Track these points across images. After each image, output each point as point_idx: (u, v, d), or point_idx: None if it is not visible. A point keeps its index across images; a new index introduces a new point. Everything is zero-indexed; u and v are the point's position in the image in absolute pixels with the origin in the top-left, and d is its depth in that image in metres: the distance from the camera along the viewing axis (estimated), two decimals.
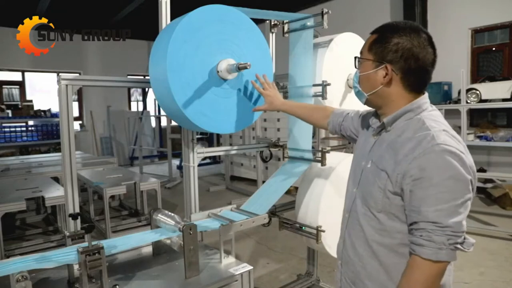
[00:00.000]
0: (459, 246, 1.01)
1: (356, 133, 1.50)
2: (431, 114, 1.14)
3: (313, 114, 1.73)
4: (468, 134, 5.01)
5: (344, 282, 1.32)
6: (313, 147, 2.31)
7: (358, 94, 1.28)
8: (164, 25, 1.86)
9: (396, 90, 1.16)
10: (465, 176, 1.01)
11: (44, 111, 8.82)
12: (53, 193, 3.79)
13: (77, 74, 9.19)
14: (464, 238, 1.03)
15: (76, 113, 9.90)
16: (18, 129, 8.57)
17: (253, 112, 1.93)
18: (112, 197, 5.20)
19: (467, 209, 1.03)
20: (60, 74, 1.71)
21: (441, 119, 1.15)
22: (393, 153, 1.12)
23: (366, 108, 1.41)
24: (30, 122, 8.92)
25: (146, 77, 1.86)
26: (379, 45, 1.15)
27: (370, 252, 1.20)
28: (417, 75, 1.14)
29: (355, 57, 1.25)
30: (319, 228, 2.08)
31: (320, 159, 2.18)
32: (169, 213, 1.71)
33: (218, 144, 9.03)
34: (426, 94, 1.19)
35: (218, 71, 1.72)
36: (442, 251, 1.00)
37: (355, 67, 1.27)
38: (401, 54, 1.12)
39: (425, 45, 1.12)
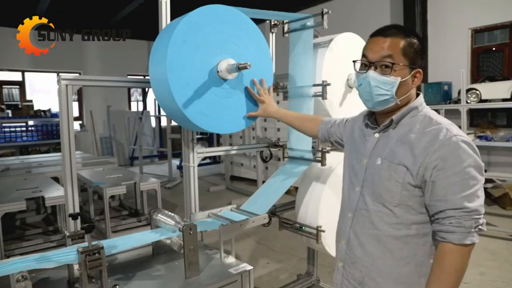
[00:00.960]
0: (481, 227, 1.10)
1: (341, 138, 1.55)
2: (430, 111, 1.24)
3: (304, 123, 1.80)
4: (468, 134, 4.98)
5: (347, 283, 1.32)
6: (313, 147, 2.31)
7: (383, 103, 1.23)
8: (164, 25, 1.86)
9: (414, 90, 1.25)
10: (479, 162, 1.11)
11: (44, 111, 8.82)
12: (53, 193, 3.79)
13: (77, 74, 9.19)
14: (483, 221, 1.11)
15: (76, 113, 9.90)
16: (18, 129, 8.57)
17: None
18: (112, 197, 5.20)
19: (483, 192, 1.12)
20: (60, 74, 1.71)
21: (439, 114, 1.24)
22: (408, 147, 1.17)
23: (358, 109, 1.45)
24: (30, 122, 8.92)
25: (146, 77, 1.86)
26: (412, 50, 1.19)
27: (383, 249, 1.22)
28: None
29: (386, 62, 1.19)
30: (319, 228, 2.08)
31: (320, 159, 2.18)
32: (169, 213, 1.71)
33: (218, 144, 9.03)
34: (421, 94, 1.28)
35: (218, 71, 1.72)
36: (471, 234, 1.08)
37: (377, 72, 1.20)
38: (423, 55, 1.22)
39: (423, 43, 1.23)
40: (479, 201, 1.09)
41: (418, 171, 1.13)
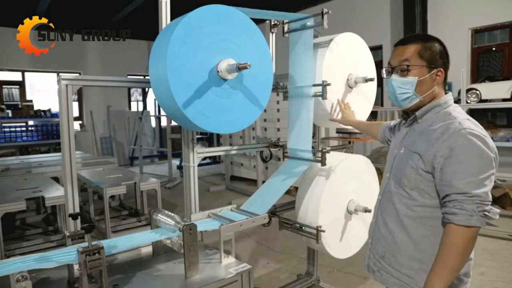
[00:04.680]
0: (487, 213, 1.20)
1: (389, 138, 1.75)
2: (456, 108, 1.37)
3: (371, 128, 2.03)
4: None
5: (373, 257, 1.52)
6: (313, 147, 2.31)
7: (407, 100, 1.41)
8: (164, 25, 1.86)
9: (439, 88, 1.40)
10: (488, 154, 1.23)
11: (44, 111, 8.82)
12: (53, 193, 3.79)
13: (77, 74, 9.19)
14: (491, 208, 1.22)
15: (76, 113, 9.90)
16: (18, 129, 8.58)
17: (253, 112, 1.93)
18: (112, 197, 5.20)
19: (492, 182, 1.23)
20: (60, 74, 1.71)
21: (464, 112, 1.36)
22: (425, 138, 1.33)
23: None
24: (30, 122, 8.92)
25: (146, 77, 1.86)
26: (429, 52, 1.36)
27: (401, 227, 1.39)
28: (447, 72, 1.39)
29: (403, 65, 1.38)
30: (319, 228, 2.08)
31: (320, 159, 2.18)
32: (169, 213, 1.71)
33: (218, 144, 9.03)
34: (450, 93, 1.43)
35: (218, 71, 1.72)
36: (473, 217, 1.19)
37: (398, 75, 1.40)
38: (444, 56, 1.37)
39: (446, 47, 1.39)
40: (484, 189, 1.20)
41: (429, 158, 1.28)
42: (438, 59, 1.37)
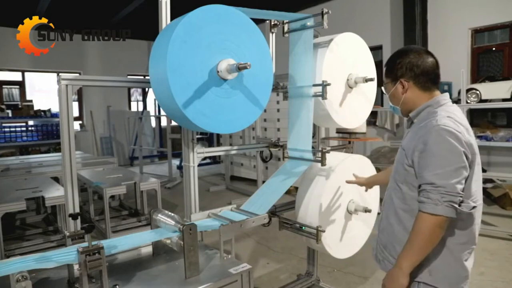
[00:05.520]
0: (455, 205, 1.28)
1: None
2: (447, 108, 1.45)
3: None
4: None
5: (378, 248, 1.62)
6: (313, 147, 2.31)
7: (395, 111, 1.63)
8: (164, 25, 1.86)
9: (414, 94, 1.51)
10: (459, 149, 1.31)
11: (44, 111, 8.82)
12: (53, 193, 3.79)
13: (77, 74, 9.19)
14: (462, 202, 1.32)
15: (76, 113, 9.90)
16: (18, 129, 8.58)
17: (253, 112, 1.93)
18: (112, 197, 5.20)
19: (461, 175, 1.31)
20: (60, 74, 1.71)
21: (456, 111, 1.44)
22: (412, 135, 1.46)
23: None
24: (30, 122, 8.92)
25: (146, 77, 1.86)
26: (390, 69, 1.56)
27: (398, 220, 1.50)
28: (423, 77, 1.49)
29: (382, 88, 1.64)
30: (319, 228, 2.08)
31: (320, 159, 2.18)
32: (169, 213, 1.71)
33: (218, 144, 9.03)
34: (446, 94, 1.52)
35: (218, 71, 1.72)
36: (438, 206, 1.28)
37: (384, 93, 1.63)
38: (406, 67, 1.50)
39: (421, 54, 1.50)
40: (450, 180, 1.28)
41: (409, 153, 1.41)
42: (396, 71, 1.52)
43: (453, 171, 1.29)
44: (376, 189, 2.50)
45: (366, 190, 2.13)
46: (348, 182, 2.11)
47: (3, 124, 8.34)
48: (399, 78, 1.52)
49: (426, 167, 1.33)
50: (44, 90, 9.63)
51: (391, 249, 1.53)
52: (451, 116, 1.39)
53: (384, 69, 1.60)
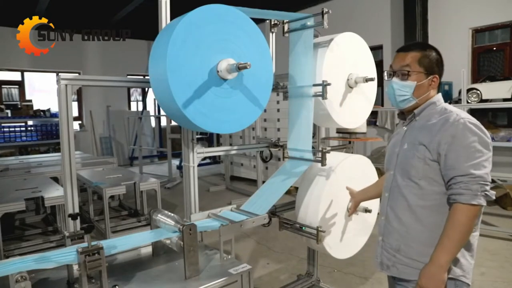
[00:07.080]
0: (487, 193, 1.34)
1: None
2: (447, 105, 1.55)
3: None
4: None
5: (386, 253, 1.58)
6: (313, 147, 2.30)
7: (404, 102, 1.57)
8: (164, 25, 1.85)
9: (433, 91, 1.57)
10: (486, 139, 1.38)
11: (44, 111, 8.82)
12: (53, 193, 3.79)
13: (77, 74, 9.19)
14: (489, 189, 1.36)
15: (75, 113, 9.90)
16: (18, 129, 8.57)
17: (253, 112, 1.92)
18: (112, 197, 5.20)
19: (490, 164, 1.38)
20: (59, 74, 1.70)
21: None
22: (427, 131, 1.47)
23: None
24: (30, 122, 8.92)
25: (146, 77, 1.86)
26: (427, 60, 1.53)
27: (414, 218, 1.49)
28: (441, 78, 1.57)
29: (404, 70, 1.54)
30: (319, 229, 2.07)
31: (320, 159, 2.17)
32: (169, 213, 1.70)
33: (218, 144, 9.03)
34: (440, 94, 1.59)
35: (218, 71, 1.72)
36: (477, 196, 1.32)
37: (398, 78, 1.56)
38: (440, 64, 1.55)
39: (441, 56, 1.56)
40: (484, 170, 1.34)
41: (433, 147, 1.42)
42: (434, 66, 1.54)
43: (485, 161, 1.35)
44: None
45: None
46: (347, 188, 2.14)
47: (3, 124, 8.34)
48: (435, 73, 1.54)
49: (458, 159, 1.36)
50: (43, 90, 9.63)
51: (407, 250, 1.50)
52: (464, 112, 1.47)
53: (412, 53, 1.53)
